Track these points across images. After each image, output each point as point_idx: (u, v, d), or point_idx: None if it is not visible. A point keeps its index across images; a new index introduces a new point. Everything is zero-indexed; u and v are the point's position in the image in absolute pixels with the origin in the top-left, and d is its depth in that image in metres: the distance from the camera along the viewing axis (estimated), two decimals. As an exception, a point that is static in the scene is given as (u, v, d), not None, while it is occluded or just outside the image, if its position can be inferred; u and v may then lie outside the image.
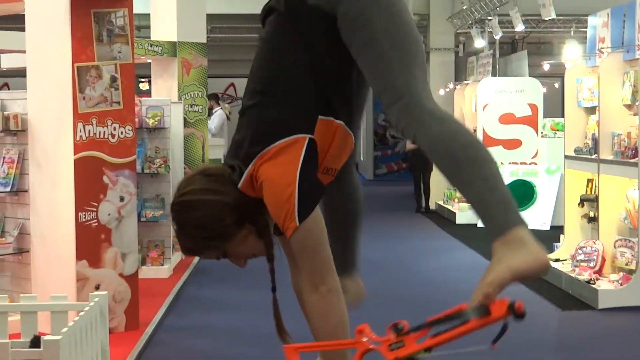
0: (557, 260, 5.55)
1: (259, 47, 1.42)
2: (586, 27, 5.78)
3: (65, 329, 2.25)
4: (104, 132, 3.62)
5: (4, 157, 3.86)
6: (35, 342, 2.41)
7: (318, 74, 1.32)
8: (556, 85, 11.29)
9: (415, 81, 1.21)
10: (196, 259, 5.77)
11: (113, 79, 3.60)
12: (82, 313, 2.52)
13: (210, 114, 8.08)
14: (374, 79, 1.26)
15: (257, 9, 1.49)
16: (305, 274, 1.33)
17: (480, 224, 6.20)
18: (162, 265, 5.43)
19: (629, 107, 4.95)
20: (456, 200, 9.06)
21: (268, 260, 1.41)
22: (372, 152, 14.66)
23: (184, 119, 6.60)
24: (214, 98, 8.64)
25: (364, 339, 1.07)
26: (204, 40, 7.17)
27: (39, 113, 3.73)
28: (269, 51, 1.38)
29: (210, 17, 8.33)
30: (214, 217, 1.32)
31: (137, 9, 9.21)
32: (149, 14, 7.25)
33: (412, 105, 1.17)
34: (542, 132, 8.68)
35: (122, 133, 3.67)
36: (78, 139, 3.59)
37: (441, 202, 9.58)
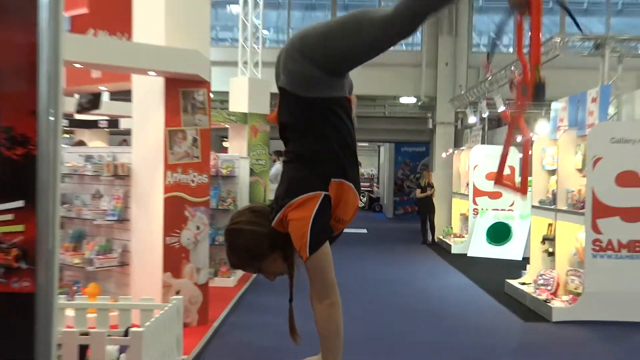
0: (523, 283, 6.89)
1: (292, 120, 1.74)
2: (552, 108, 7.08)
3: (148, 323, 3.07)
4: (186, 178, 4.85)
5: (113, 195, 5.17)
6: (126, 332, 3.08)
7: (332, 150, 1.68)
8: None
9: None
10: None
11: (194, 140, 4.84)
12: (162, 312, 3.48)
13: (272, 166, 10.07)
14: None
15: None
16: (314, 289, 1.65)
17: (471, 252, 8.31)
18: (229, 277, 6.86)
19: (579, 170, 6.18)
20: (452, 236, 11.22)
21: (289, 279, 1.75)
22: (392, 198, 18.08)
23: (251, 169, 8.49)
24: (277, 153, 10.42)
25: None
26: (268, 112, 9.07)
27: (140, 163, 5.02)
28: (299, 126, 1.72)
29: (274, 95, 10.24)
30: (254, 242, 1.69)
31: (219, 88, 12.32)
32: (228, 92, 9.46)
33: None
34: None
35: (200, 180, 4.89)
36: (167, 182, 4.83)
37: (441, 237, 11.67)
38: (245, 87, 9.09)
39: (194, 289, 4.96)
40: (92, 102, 5.90)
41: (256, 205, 1.96)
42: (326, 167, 1.67)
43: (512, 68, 8.92)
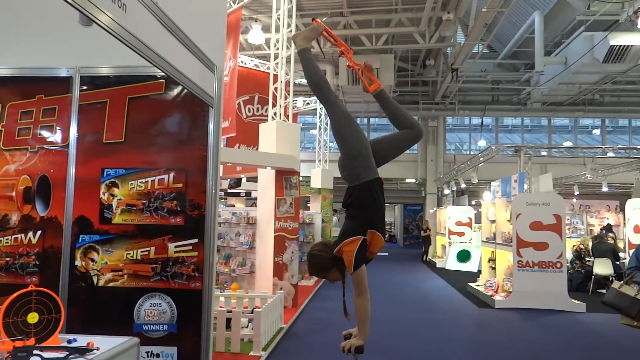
0: (478, 285, 10.57)
1: (351, 199, 2.60)
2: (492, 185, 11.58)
3: (264, 306, 5.91)
4: (286, 225, 8.65)
5: (246, 234, 9.08)
6: (252, 311, 5.58)
7: (369, 214, 2.59)
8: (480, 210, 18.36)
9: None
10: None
11: (290, 204, 8.66)
12: (271, 300, 6.70)
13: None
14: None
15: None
16: (355, 290, 2.51)
17: (447, 267, 15.85)
18: (309, 280, 10.84)
19: (509, 220, 9.64)
20: (436, 257, 16.78)
21: (342, 283, 2.71)
22: (402, 235, 29.45)
23: (322, 219, 13.10)
24: (334, 212, 16.66)
25: None
26: (332, 187, 14.63)
27: (262, 216, 8.84)
28: (354, 201, 2.60)
29: (336, 178, 15.32)
30: (323, 262, 2.63)
31: (306, 174, 19.58)
32: (310, 176, 15.34)
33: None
34: (474, 229, 16.67)
35: (293, 225, 8.67)
36: (276, 227, 8.61)
37: (430, 257, 18.63)
38: (319, 174, 15.36)
39: (290, 287, 8.61)
40: (237, 182, 10.08)
41: (325, 240, 2.85)
42: (365, 223, 2.55)
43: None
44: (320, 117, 18.75)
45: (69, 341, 2.10)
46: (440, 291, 11.34)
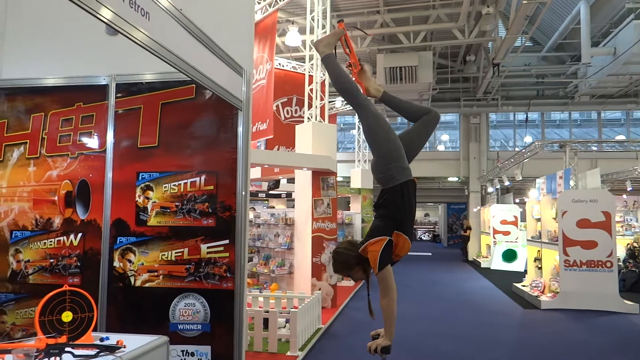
0: (523, 285, 10.26)
1: (383, 201, 2.60)
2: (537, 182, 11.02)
3: (301, 306, 5.93)
4: (324, 226, 8.68)
5: (285, 235, 9.17)
6: (288, 312, 5.71)
7: (397, 217, 2.56)
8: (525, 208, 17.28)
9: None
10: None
11: (328, 204, 8.68)
12: (309, 300, 6.75)
13: None
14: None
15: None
16: (381, 290, 2.48)
17: (492, 266, 15.51)
18: (350, 281, 10.72)
19: (554, 218, 9.23)
20: (481, 257, 16.60)
21: (367, 283, 2.72)
22: (447, 234, 29.72)
23: (362, 219, 13.09)
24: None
25: None
26: (372, 187, 14.63)
27: (299, 216, 8.90)
28: (384, 202, 2.61)
29: None
30: (347, 259, 2.64)
31: (346, 174, 19.54)
32: (350, 177, 15.42)
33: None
34: (520, 228, 16.30)
35: (331, 226, 8.68)
36: (313, 227, 8.66)
37: (475, 257, 18.73)
38: (359, 174, 15.44)
39: (328, 287, 8.64)
40: (275, 184, 10.18)
41: (351, 239, 2.86)
42: (392, 224, 2.55)
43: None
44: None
45: (102, 339, 2.19)
46: (484, 292, 11.10)
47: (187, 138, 3.51)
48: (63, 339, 2.00)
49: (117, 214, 3.52)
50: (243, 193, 3.36)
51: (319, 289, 8.28)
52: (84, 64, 3.60)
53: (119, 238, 3.50)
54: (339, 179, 21.08)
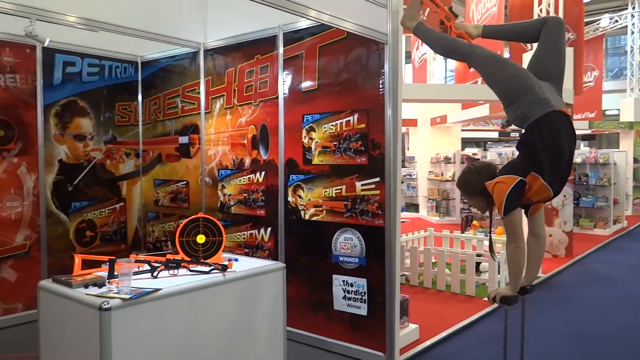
0: None
1: (523, 139, 2.26)
2: None
3: (502, 251, 5.88)
4: None
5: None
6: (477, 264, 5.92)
7: (535, 156, 2.20)
8: None
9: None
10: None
11: None
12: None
13: None
14: None
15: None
16: (507, 236, 2.25)
17: None
18: (605, 229, 9.49)
19: None
20: None
21: (489, 219, 2.52)
22: None
23: (635, 158, 11.44)
24: None
25: None
26: None
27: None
28: (524, 140, 2.27)
29: None
30: (471, 183, 2.36)
31: (614, 106, 18.70)
32: (618, 109, 14.07)
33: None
34: None
35: None
36: None
37: None
38: (632, 104, 13.03)
39: (562, 234, 7.72)
40: (508, 122, 9.46)
41: (494, 165, 2.43)
42: (529, 165, 2.22)
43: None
44: (632, 36, 15.45)
45: (229, 260, 2.54)
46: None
47: (341, 78, 3.59)
48: (179, 257, 2.41)
49: (289, 154, 3.89)
50: (392, 130, 3.29)
51: (551, 235, 7.52)
52: (260, 19, 3.94)
53: (291, 175, 3.88)
54: (608, 112, 17.96)
